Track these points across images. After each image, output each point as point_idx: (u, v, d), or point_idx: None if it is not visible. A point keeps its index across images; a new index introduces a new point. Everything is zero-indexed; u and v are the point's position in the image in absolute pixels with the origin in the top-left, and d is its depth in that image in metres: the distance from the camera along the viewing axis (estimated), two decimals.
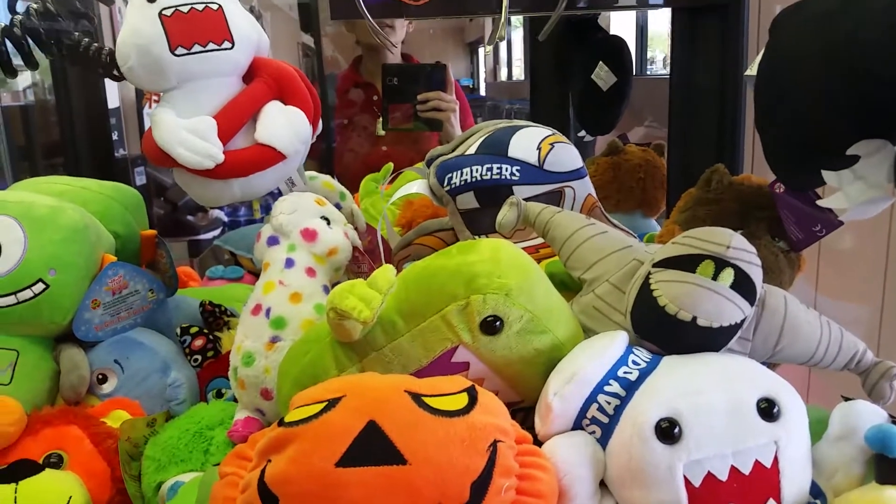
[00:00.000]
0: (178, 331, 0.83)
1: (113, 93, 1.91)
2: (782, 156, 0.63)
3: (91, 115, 1.35)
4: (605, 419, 0.53)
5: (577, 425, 0.54)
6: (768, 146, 0.64)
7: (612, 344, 0.55)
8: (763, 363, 0.56)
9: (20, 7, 0.92)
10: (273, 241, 0.75)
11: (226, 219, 2.14)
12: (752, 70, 0.66)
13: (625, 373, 0.54)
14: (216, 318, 0.85)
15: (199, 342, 0.82)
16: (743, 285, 0.54)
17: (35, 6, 0.90)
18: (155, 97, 0.86)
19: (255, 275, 0.77)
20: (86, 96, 1.33)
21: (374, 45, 1.64)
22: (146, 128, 0.80)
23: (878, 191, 0.58)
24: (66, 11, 0.92)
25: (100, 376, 0.79)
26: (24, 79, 0.96)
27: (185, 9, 0.77)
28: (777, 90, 0.62)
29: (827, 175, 0.59)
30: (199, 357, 0.82)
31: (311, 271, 0.73)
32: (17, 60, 0.94)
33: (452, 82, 1.47)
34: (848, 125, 0.57)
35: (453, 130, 1.45)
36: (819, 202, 0.64)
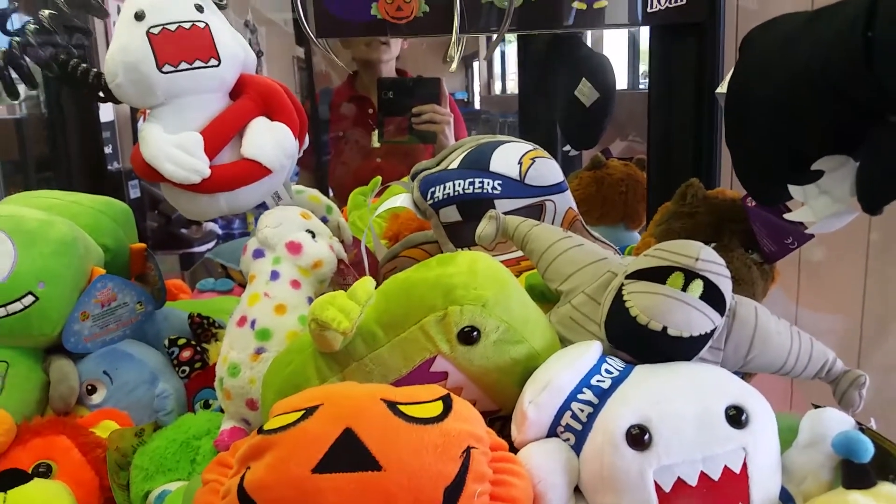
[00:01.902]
0: (167, 342, 0.84)
1: (107, 106, 1.92)
2: (750, 171, 0.65)
3: (84, 129, 1.36)
4: (578, 426, 0.54)
5: (552, 433, 0.55)
6: (737, 161, 0.66)
7: (585, 353, 0.57)
8: (735, 373, 0.58)
9: (10, 26, 0.93)
10: (259, 253, 0.77)
11: (220, 231, 2.15)
12: (722, 88, 0.68)
13: (598, 381, 0.55)
14: (204, 329, 0.86)
15: (186, 354, 0.83)
16: (712, 296, 0.55)
17: (33, 25, 0.91)
18: (148, 111, 0.87)
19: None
20: (79, 110, 1.35)
21: (369, 60, 1.66)
22: None
23: (843, 205, 0.59)
24: (62, 27, 0.93)
25: (89, 387, 0.80)
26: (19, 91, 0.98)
27: (172, 27, 0.79)
28: (744, 107, 0.63)
29: (793, 190, 0.61)
30: (187, 368, 0.83)
31: (295, 283, 0.75)
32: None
33: (446, 95, 1.50)
34: (811, 142, 0.59)
35: (447, 142, 1.48)
36: (786, 216, 0.66)
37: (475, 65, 5.39)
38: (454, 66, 1.09)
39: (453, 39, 0.97)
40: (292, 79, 3.01)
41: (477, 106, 5.28)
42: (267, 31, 3.03)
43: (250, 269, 0.77)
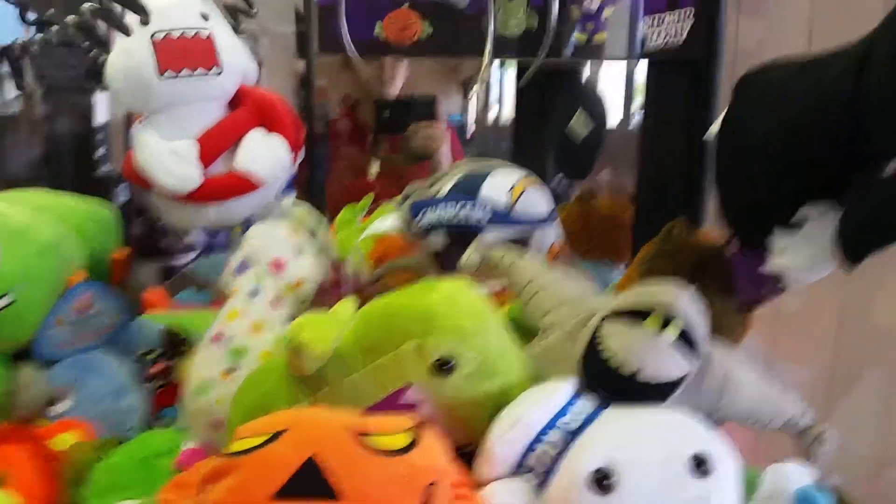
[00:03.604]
0: (138, 355, 0.83)
1: (103, 108, 1.92)
2: (735, 213, 0.65)
3: (77, 130, 1.36)
4: (545, 466, 0.54)
5: (519, 471, 0.55)
6: (723, 203, 0.66)
7: (557, 391, 0.57)
8: (706, 420, 0.58)
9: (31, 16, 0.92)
10: (241, 268, 0.76)
11: (203, 244, 2.13)
12: (713, 129, 0.68)
13: (567, 421, 0.55)
14: (177, 344, 0.85)
15: (156, 368, 0.82)
16: (687, 341, 0.55)
17: (74, 18, 0.89)
18: (144, 116, 0.87)
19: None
20: (73, 110, 1.35)
21: (370, 89, 1.68)
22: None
23: (823, 254, 0.60)
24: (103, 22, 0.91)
25: (55, 396, 0.78)
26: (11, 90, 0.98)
27: (175, 34, 0.79)
28: (735, 149, 0.64)
29: (776, 236, 0.62)
30: (156, 383, 0.81)
31: (276, 302, 0.74)
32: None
33: (442, 114, 1.52)
34: (798, 187, 0.60)
35: (443, 160, 1.49)
36: (767, 263, 0.66)
37: (473, 88, 5.41)
38: (473, 92, 1.11)
39: (484, 63, 0.98)
40: (290, 91, 3.01)
41: (472, 128, 5.30)
42: (270, 42, 3.04)
43: (232, 283, 0.76)
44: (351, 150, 1.77)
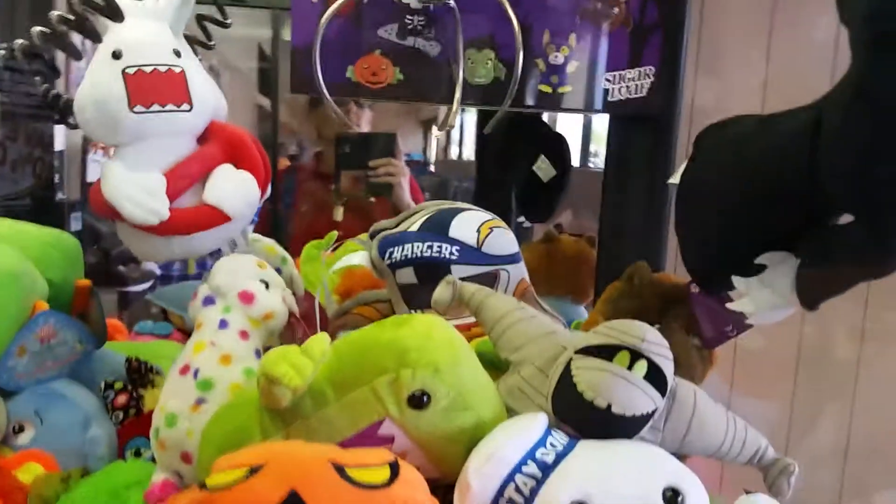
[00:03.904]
0: (102, 385, 0.81)
1: (59, 136, 1.88)
2: (696, 260, 0.68)
3: (36, 157, 1.33)
4: (521, 500, 0.54)
5: None
6: (684, 250, 0.69)
7: (531, 425, 0.58)
8: (672, 454, 0.59)
9: None
10: (209, 301, 0.75)
11: (158, 272, 2.10)
12: (674, 178, 0.72)
13: (542, 454, 0.56)
14: (141, 375, 0.83)
15: (122, 399, 0.80)
16: (655, 377, 0.57)
17: (20, 42, 0.87)
18: (102, 145, 0.85)
19: (185, 332, 0.76)
20: (30, 137, 1.32)
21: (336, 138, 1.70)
22: (88, 173, 0.80)
23: (782, 299, 0.63)
24: (31, 59, 0.90)
25: (16, 426, 0.75)
26: None
27: (148, 69, 0.79)
28: (695, 200, 0.68)
29: (736, 281, 0.65)
30: (121, 414, 0.80)
31: (244, 334, 0.73)
32: None
33: (401, 150, 1.54)
34: (756, 237, 0.63)
35: (403, 195, 1.52)
36: (728, 305, 0.69)
37: (433, 129, 5.50)
38: (438, 131, 1.13)
39: (454, 109, 1.01)
40: (251, 125, 3.02)
41: (433, 168, 5.38)
42: (231, 76, 3.05)
43: (198, 316, 0.75)
44: (316, 189, 1.79)
